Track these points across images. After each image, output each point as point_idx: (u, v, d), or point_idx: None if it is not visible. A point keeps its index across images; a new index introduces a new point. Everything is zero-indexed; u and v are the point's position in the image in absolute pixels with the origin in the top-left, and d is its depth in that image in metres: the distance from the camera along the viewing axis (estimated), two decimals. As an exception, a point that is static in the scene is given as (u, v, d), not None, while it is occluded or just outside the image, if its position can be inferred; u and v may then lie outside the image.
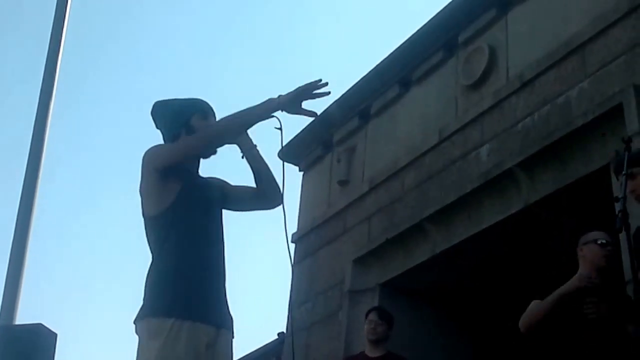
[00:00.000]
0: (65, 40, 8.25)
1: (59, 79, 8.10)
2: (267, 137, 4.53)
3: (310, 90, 4.32)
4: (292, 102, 4.28)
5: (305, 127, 10.19)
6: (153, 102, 4.64)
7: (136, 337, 4.14)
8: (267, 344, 10.45)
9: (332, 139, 10.09)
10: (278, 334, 9.99)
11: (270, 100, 4.27)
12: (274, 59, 26.19)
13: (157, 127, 4.60)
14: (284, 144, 4.38)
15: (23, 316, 7.30)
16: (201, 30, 26.31)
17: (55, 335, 6.64)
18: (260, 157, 4.48)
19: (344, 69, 25.27)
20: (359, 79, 9.57)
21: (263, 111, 4.27)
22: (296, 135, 10.27)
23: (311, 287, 9.49)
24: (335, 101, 9.79)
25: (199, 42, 25.84)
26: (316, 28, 26.63)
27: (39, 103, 8.00)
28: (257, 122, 4.30)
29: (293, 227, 10.32)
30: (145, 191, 4.31)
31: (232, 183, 4.62)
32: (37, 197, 7.60)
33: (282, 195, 4.53)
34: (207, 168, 4.59)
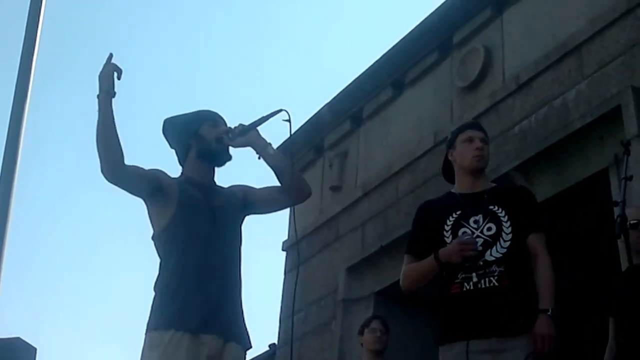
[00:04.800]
0: (41, 34, 8.09)
1: (35, 73, 7.93)
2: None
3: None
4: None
5: (296, 131, 10.03)
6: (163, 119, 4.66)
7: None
8: (258, 356, 10.29)
9: (323, 143, 9.94)
10: (269, 346, 9.86)
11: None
12: (263, 61, 26.12)
13: (172, 147, 4.64)
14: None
15: (1, 330, 7.20)
16: (186, 28, 26.20)
17: (35, 349, 6.60)
18: (277, 152, 4.47)
19: (335, 71, 25.18)
20: (350, 81, 9.45)
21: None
22: (286, 140, 10.12)
23: (303, 296, 9.35)
24: (327, 104, 9.75)
25: (184, 38, 25.72)
26: (307, 30, 26.56)
27: (13, 104, 7.81)
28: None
29: (284, 235, 10.18)
30: (149, 217, 4.38)
31: (257, 186, 4.60)
32: (12, 209, 7.49)
33: (307, 186, 4.58)
34: (230, 175, 4.65)
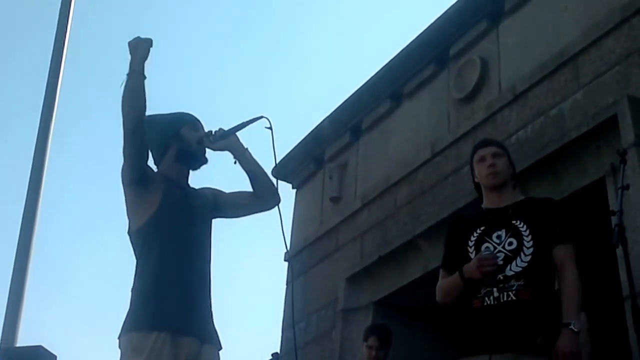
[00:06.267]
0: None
1: (59, 102, 8.04)
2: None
3: None
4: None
5: (297, 144, 10.12)
6: None
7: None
8: (260, 365, 10.28)
9: (323, 155, 9.99)
10: (272, 355, 9.86)
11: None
12: (263, 74, 26.09)
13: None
14: (275, 147, 4.44)
15: (24, 338, 7.36)
16: (202, 42, 26.19)
17: (55, 357, 6.62)
18: (253, 159, 4.50)
19: (334, 85, 25.17)
20: (349, 94, 9.49)
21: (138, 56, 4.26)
22: (288, 153, 10.19)
23: (304, 306, 9.37)
24: (327, 117, 9.77)
25: (201, 52, 25.72)
26: (306, 43, 26.56)
27: (39, 126, 7.94)
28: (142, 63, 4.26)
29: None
30: (128, 210, 4.37)
31: (227, 191, 4.65)
32: (38, 220, 7.61)
33: (278, 194, 4.61)
34: (201, 179, 4.64)
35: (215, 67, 25.80)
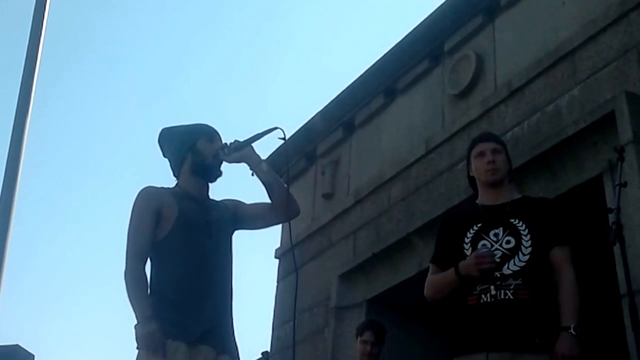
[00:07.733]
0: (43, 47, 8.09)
1: (39, 76, 7.93)
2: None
3: None
4: None
5: (288, 139, 10.01)
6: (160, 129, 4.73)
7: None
8: (250, 364, 10.22)
9: (315, 151, 9.92)
10: (262, 353, 9.82)
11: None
12: (255, 68, 26.07)
13: (165, 156, 4.70)
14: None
15: (0, 337, 7.25)
16: (179, 38, 26.15)
17: (33, 356, 6.62)
18: (270, 170, 4.55)
19: (327, 79, 25.16)
20: (342, 89, 9.43)
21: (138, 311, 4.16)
22: (278, 148, 10.11)
23: (296, 303, 9.29)
24: (319, 112, 9.71)
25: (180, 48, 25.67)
26: (298, 39, 26.53)
27: (16, 112, 7.83)
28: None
29: (276, 243, 10.15)
30: None
31: (247, 202, 4.71)
32: (14, 215, 7.50)
33: (296, 205, 4.74)
34: (219, 189, 4.67)
35: (205, 64, 25.77)
